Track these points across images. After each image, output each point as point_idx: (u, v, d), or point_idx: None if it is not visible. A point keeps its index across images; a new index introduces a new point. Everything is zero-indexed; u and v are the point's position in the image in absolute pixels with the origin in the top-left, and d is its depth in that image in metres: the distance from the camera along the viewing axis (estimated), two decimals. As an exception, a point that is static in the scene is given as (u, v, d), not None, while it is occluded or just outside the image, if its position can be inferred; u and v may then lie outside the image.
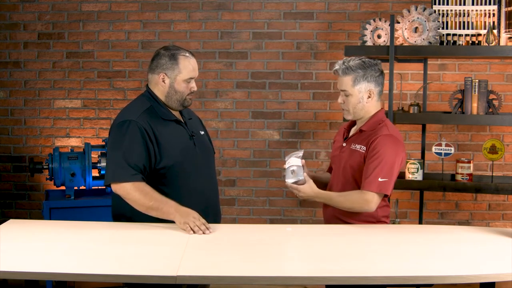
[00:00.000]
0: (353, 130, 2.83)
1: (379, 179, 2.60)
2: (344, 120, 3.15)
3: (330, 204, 2.73)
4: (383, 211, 2.74)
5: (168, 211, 2.56)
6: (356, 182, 2.70)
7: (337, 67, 2.72)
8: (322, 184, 2.86)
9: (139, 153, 2.59)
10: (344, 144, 2.79)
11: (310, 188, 2.69)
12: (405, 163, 2.74)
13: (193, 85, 2.75)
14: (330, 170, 3.00)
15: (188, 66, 2.71)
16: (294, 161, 2.72)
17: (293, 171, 2.70)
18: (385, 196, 2.70)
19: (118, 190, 2.59)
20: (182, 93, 2.71)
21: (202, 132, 2.89)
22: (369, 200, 2.62)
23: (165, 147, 2.64)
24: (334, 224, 2.75)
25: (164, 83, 2.71)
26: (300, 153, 2.78)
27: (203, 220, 2.55)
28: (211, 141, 2.96)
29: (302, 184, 2.68)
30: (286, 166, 2.73)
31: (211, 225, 2.60)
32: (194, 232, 2.48)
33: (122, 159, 2.57)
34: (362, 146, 2.69)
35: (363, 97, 2.70)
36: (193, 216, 2.54)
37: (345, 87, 2.70)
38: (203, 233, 2.48)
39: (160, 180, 2.64)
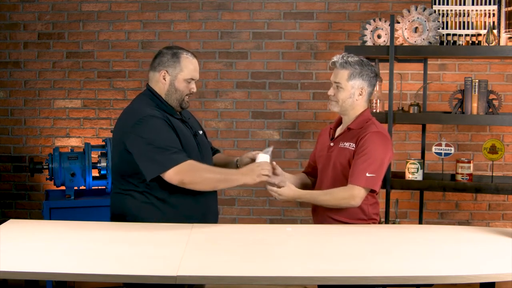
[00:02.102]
0: (339, 130, 2.86)
1: (367, 174, 2.63)
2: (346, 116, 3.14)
3: (314, 203, 2.75)
4: (374, 208, 2.77)
5: (235, 179, 2.62)
6: (346, 180, 2.72)
7: (335, 59, 2.77)
8: (299, 185, 2.87)
9: (174, 138, 2.59)
10: (332, 144, 2.81)
11: (290, 190, 2.71)
12: (392, 161, 2.78)
13: (193, 86, 2.75)
14: (307, 171, 3.02)
15: (189, 65, 2.71)
16: (262, 157, 2.71)
17: None
18: (375, 193, 2.73)
19: (181, 175, 2.53)
20: (181, 92, 2.71)
21: (201, 132, 2.89)
22: (355, 195, 2.64)
23: (181, 141, 2.64)
24: (324, 224, 2.76)
25: (165, 80, 2.70)
26: (270, 149, 2.76)
27: (267, 168, 2.62)
28: (208, 140, 2.97)
29: (281, 186, 2.70)
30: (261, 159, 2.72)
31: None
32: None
33: (166, 146, 2.54)
34: (352, 144, 2.72)
35: (354, 93, 2.75)
36: (259, 172, 2.60)
37: (340, 80, 2.75)
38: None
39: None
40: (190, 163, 2.55)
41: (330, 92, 2.79)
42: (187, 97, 2.74)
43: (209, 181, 2.59)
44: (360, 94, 2.75)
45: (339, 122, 2.89)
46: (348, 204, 2.66)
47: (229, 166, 2.91)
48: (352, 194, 2.63)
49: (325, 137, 2.91)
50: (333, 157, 2.77)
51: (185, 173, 2.54)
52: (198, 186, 2.58)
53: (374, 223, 2.77)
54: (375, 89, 3.63)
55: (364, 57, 3.74)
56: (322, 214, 2.78)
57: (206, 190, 2.62)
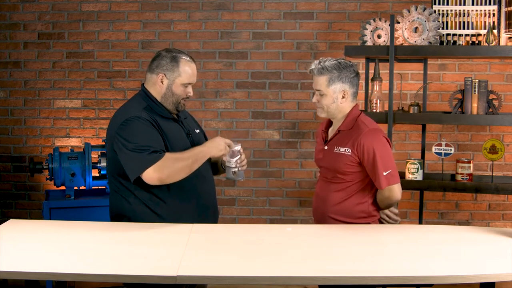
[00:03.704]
0: (331, 131, 2.85)
1: (384, 174, 2.65)
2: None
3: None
4: (374, 205, 2.78)
5: (203, 156, 2.63)
6: (343, 183, 2.73)
7: (312, 66, 2.75)
8: None
9: (158, 139, 2.59)
10: (326, 147, 2.80)
11: None
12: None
13: (190, 90, 2.75)
14: None
15: (188, 70, 2.71)
16: (234, 163, 2.73)
17: (234, 172, 2.73)
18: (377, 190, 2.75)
19: (158, 174, 2.52)
20: (178, 96, 2.71)
21: (198, 131, 2.89)
22: (389, 195, 2.71)
23: (168, 143, 2.64)
24: (325, 223, 2.76)
25: (162, 84, 2.71)
26: (236, 149, 2.75)
27: (227, 141, 2.69)
28: (207, 139, 2.96)
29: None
30: (230, 164, 2.74)
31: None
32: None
33: (148, 147, 2.54)
34: (347, 149, 2.70)
35: (337, 97, 2.73)
36: (221, 144, 2.66)
37: (320, 87, 2.73)
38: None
39: None
40: (165, 159, 2.53)
41: (314, 99, 2.79)
42: (183, 100, 2.74)
43: (184, 169, 2.57)
44: (344, 97, 2.73)
45: (329, 123, 2.88)
46: (392, 204, 2.78)
47: (221, 164, 2.91)
48: (388, 197, 2.72)
49: (319, 139, 2.91)
50: (328, 161, 2.77)
51: (162, 170, 2.52)
52: (175, 178, 2.57)
53: (374, 221, 2.78)
54: (375, 89, 3.66)
55: (364, 57, 3.79)
56: (323, 214, 2.78)
57: (184, 177, 2.59)
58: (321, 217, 2.80)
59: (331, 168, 2.76)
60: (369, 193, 2.76)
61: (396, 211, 2.87)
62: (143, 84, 2.78)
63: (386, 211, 2.83)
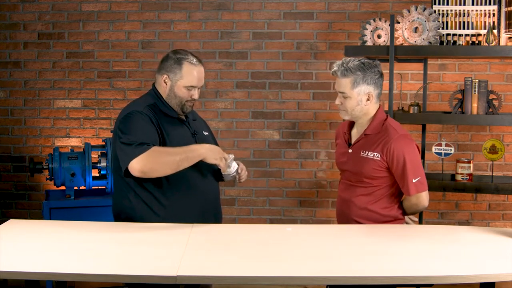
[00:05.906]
0: (355, 134, 2.78)
1: (413, 181, 2.62)
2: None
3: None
4: (400, 209, 2.77)
5: (197, 155, 2.58)
6: (370, 186, 2.69)
7: (335, 68, 2.66)
8: None
9: (152, 134, 2.59)
10: (350, 151, 2.73)
11: None
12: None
13: (194, 93, 2.73)
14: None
15: (191, 73, 2.70)
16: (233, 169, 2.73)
17: (233, 177, 2.75)
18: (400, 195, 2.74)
19: (140, 165, 2.50)
20: (181, 98, 2.71)
21: (206, 133, 2.88)
22: (416, 202, 2.69)
23: (169, 141, 2.64)
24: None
25: (166, 84, 2.72)
26: (231, 157, 2.74)
27: (225, 155, 2.65)
28: (216, 142, 2.95)
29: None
30: (229, 171, 2.72)
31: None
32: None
33: (137, 140, 2.54)
34: (376, 153, 2.64)
35: (362, 100, 2.65)
36: (222, 155, 2.64)
37: (344, 89, 2.65)
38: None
39: (161, 177, 2.63)
40: (150, 151, 2.51)
41: (337, 101, 2.70)
42: (188, 102, 2.73)
43: (169, 164, 2.54)
44: (368, 99, 2.65)
45: (351, 124, 2.81)
46: (418, 211, 2.76)
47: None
48: (415, 204, 2.70)
49: (341, 140, 2.83)
50: (354, 165, 2.71)
51: (144, 163, 2.50)
52: (159, 172, 2.55)
53: (400, 223, 2.77)
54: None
55: (364, 57, 3.78)
56: (348, 217, 2.74)
57: (169, 173, 2.56)
58: (346, 220, 2.75)
59: (357, 172, 2.70)
60: (396, 198, 2.74)
61: (416, 219, 2.86)
62: (153, 83, 2.81)
63: (407, 219, 2.81)
